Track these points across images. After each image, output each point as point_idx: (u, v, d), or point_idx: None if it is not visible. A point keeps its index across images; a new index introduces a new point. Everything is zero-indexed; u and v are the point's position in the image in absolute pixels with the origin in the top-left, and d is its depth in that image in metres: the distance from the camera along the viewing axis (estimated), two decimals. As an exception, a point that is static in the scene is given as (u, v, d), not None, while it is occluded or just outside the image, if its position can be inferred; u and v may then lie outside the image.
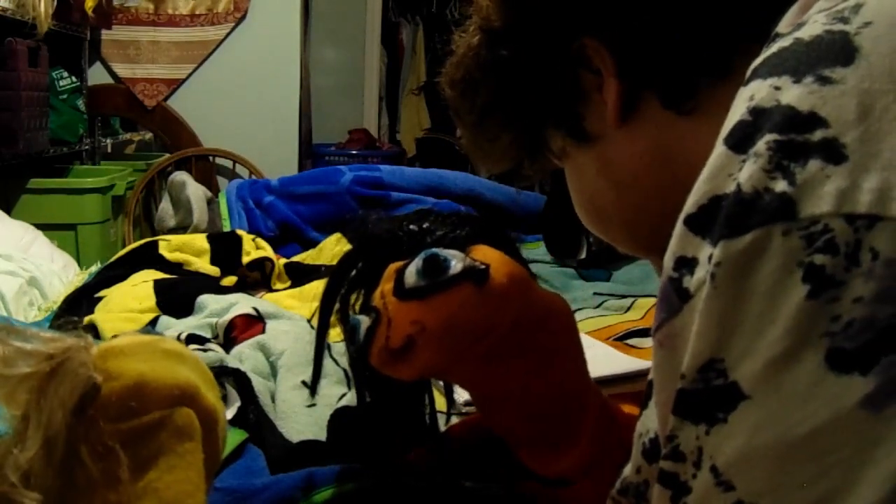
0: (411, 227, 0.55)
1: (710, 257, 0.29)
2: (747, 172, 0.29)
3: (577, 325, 0.55)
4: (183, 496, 0.40)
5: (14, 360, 0.39)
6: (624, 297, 1.23)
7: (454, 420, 0.67)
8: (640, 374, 0.86)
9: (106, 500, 0.39)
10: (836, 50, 0.29)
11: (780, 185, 0.28)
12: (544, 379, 0.52)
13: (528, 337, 0.51)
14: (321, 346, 0.59)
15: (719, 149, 0.30)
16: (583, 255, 1.39)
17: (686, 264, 0.30)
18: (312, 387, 0.60)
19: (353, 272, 0.57)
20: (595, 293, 1.25)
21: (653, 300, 1.18)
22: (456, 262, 0.48)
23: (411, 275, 0.49)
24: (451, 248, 0.50)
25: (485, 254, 0.50)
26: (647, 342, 1.00)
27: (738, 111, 0.31)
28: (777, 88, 0.30)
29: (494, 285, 0.48)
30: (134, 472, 0.39)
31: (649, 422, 0.37)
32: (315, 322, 0.59)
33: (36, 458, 0.38)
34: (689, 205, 0.31)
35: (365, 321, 0.50)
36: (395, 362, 0.49)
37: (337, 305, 0.57)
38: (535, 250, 1.48)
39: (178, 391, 0.42)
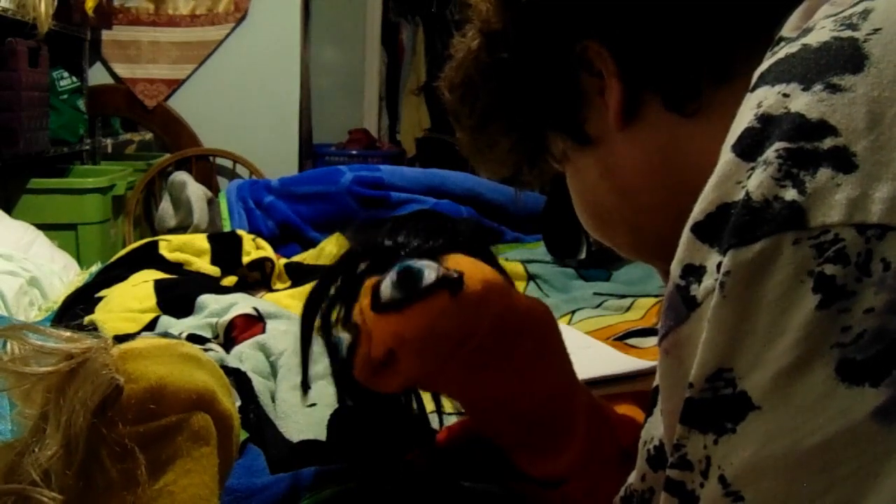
0: (386, 242, 0.54)
1: (718, 266, 0.29)
2: (756, 180, 0.28)
3: (560, 329, 0.55)
4: (198, 500, 0.40)
5: (32, 358, 0.39)
6: (624, 296, 1.23)
7: (452, 420, 0.68)
8: (640, 374, 0.85)
9: (123, 502, 0.39)
10: (846, 57, 0.29)
11: (790, 194, 0.28)
12: (529, 384, 0.52)
13: (509, 342, 0.51)
14: (306, 360, 0.58)
15: (727, 156, 0.30)
16: (583, 255, 1.39)
17: (693, 272, 0.30)
18: (304, 387, 0.60)
19: (333, 288, 0.57)
20: (595, 293, 1.25)
21: (653, 300, 1.18)
22: (429, 272, 0.48)
23: (387, 288, 0.49)
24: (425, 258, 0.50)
25: (458, 262, 0.50)
26: (647, 342, 1.00)
27: (745, 118, 0.31)
28: (786, 96, 0.29)
29: (469, 292, 0.48)
30: (150, 475, 0.39)
31: (654, 429, 0.36)
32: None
33: (56, 457, 0.38)
34: (697, 212, 0.31)
35: (346, 338, 0.50)
36: (378, 376, 0.49)
37: (318, 322, 0.57)
38: (535, 250, 1.48)
39: (196, 395, 0.42)
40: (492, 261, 0.55)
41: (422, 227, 0.55)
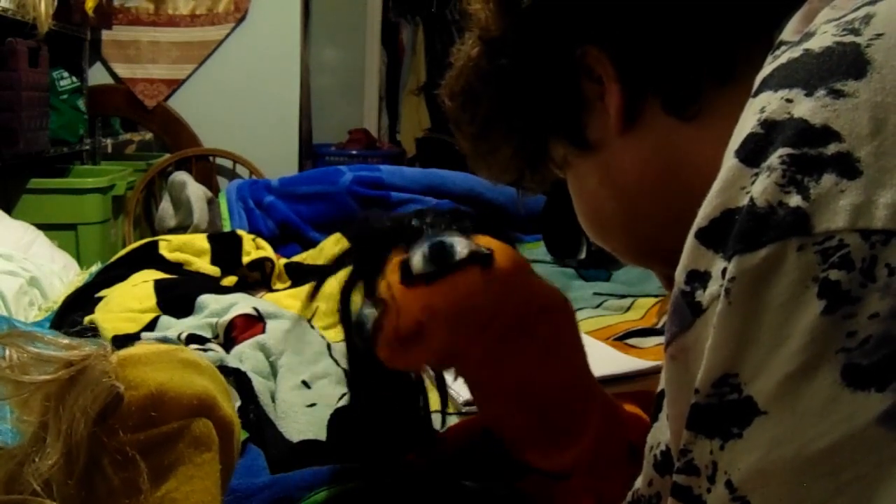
0: (413, 222, 0.55)
1: (723, 272, 0.29)
2: (760, 186, 0.28)
3: (578, 323, 0.56)
4: None
5: (30, 366, 0.39)
6: (624, 297, 1.23)
7: (454, 420, 0.68)
8: (640, 374, 0.86)
9: None
10: (848, 62, 0.29)
11: (795, 200, 0.28)
12: (546, 371, 0.53)
13: (532, 321, 0.52)
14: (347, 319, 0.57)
15: (730, 161, 0.30)
16: (583, 255, 1.39)
17: (698, 278, 0.30)
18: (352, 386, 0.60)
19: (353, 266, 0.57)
20: (595, 293, 1.25)
21: (653, 300, 1.18)
22: (461, 247, 0.50)
23: (418, 261, 0.50)
24: None
25: (487, 242, 0.52)
26: (647, 342, 1.00)
27: (748, 123, 0.30)
28: (789, 101, 0.29)
29: (499, 269, 0.50)
30: (152, 482, 0.39)
31: (660, 434, 0.36)
32: (315, 321, 0.59)
33: (56, 466, 0.38)
34: (701, 218, 0.31)
35: (372, 314, 0.50)
36: (405, 351, 0.49)
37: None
38: (535, 250, 1.48)
39: (197, 401, 0.42)
40: (513, 247, 0.56)
41: (445, 213, 0.56)
